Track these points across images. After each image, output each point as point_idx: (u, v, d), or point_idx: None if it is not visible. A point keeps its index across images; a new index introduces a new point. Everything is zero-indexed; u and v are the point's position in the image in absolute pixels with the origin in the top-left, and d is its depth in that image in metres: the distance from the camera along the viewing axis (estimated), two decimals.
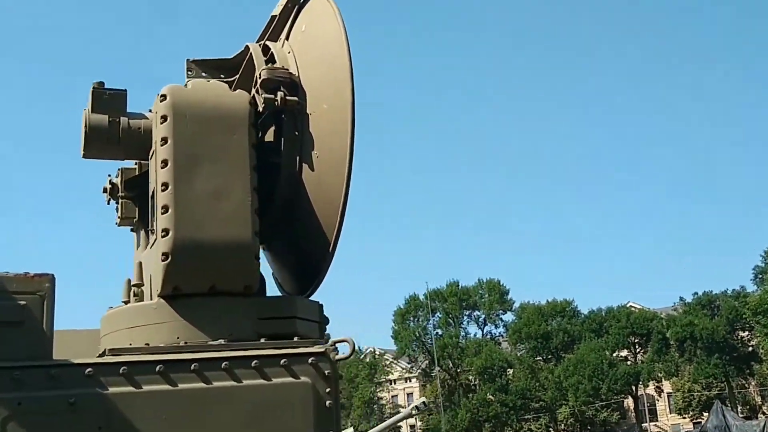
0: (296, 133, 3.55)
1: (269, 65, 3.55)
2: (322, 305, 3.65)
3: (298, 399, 3.05)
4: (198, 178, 3.31)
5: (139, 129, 3.57)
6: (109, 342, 3.34)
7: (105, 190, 3.85)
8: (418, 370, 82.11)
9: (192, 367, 2.98)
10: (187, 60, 3.90)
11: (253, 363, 3.05)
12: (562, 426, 73.79)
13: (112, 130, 3.53)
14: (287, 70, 3.56)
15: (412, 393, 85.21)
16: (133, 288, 3.57)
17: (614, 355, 73.94)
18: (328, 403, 3.10)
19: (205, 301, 3.31)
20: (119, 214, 3.78)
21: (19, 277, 2.92)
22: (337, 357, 3.18)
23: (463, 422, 69.41)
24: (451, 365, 76.03)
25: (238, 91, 3.53)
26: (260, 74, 3.51)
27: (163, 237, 3.24)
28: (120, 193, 3.76)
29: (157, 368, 2.94)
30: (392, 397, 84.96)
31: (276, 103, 3.45)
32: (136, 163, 3.78)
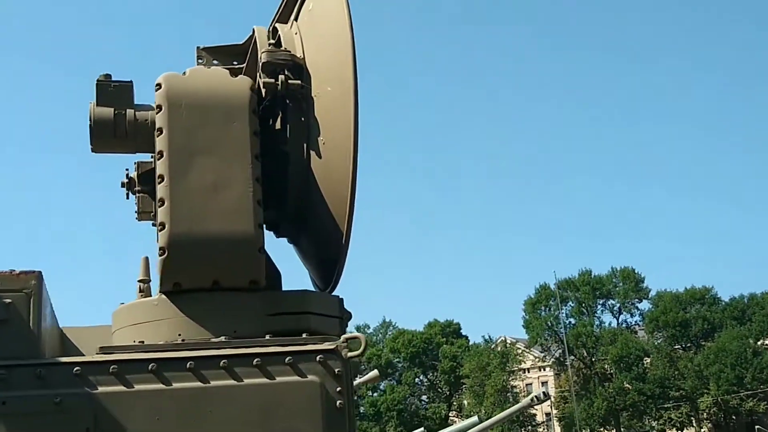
0: (302, 118, 3.32)
1: (270, 48, 3.30)
2: (341, 300, 3.38)
3: (305, 399, 2.80)
4: (195, 169, 3.11)
5: (146, 121, 3.40)
6: (117, 338, 3.19)
7: (123, 185, 3.72)
8: (551, 359, 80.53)
9: (188, 365, 2.77)
10: (198, 48, 3.73)
11: (255, 361, 2.81)
12: (704, 415, 70.44)
13: (118, 123, 3.37)
14: (289, 52, 3.32)
15: (546, 381, 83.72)
16: (139, 284, 3.42)
17: (758, 343, 69.80)
18: (339, 403, 2.83)
19: (208, 297, 3.09)
20: (137, 209, 3.64)
21: (4, 274, 2.79)
22: (348, 354, 2.89)
23: (600, 411, 67.63)
24: (585, 354, 74.21)
25: (239, 77, 3.32)
26: (260, 57, 3.30)
27: (160, 231, 3.05)
28: (137, 188, 3.62)
29: (150, 366, 2.74)
30: (526, 385, 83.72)
31: (278, 87, 3.22)
32: (151, 156, 3.63)
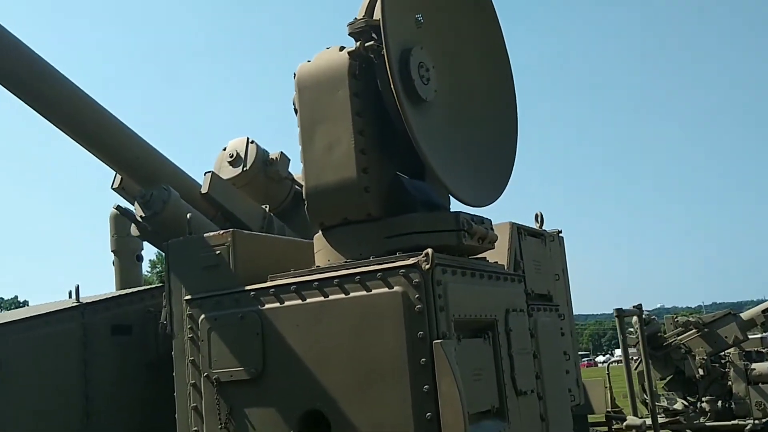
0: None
1: (355, 19, 3.95)
2: (458, 215, 3.97)
3: (392, 306, 3.62)
4: (317, 135, 4.06)
5: None
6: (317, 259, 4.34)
7: None
8: None
9: (314, 284, 3.82)
10: None
11: (357, 278, 3.73)
12: None
13: None
14: (364, 18, 3.90)
15: None
16: None
17: None
18: (417, 308, 3.57)
19: (340, 230, 4.09)
20: None
21: (213, 234, 4.19)
22: (426, 267, 3.59)
23: None
24: None
25: (345, 49, 4.04)
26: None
27: (303, 188, 4.11)
28: None
29: (292, 287, 3.88)
30: None
31: (361, 52, 3.89)
32: None
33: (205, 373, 4.02)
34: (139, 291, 5.88)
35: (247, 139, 6.41)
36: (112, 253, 7.17)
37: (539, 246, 5.15)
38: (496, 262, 4.48)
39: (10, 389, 4.97)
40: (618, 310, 6.72)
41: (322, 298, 3.81)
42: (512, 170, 4.56)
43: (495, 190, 4.43)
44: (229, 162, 6.33)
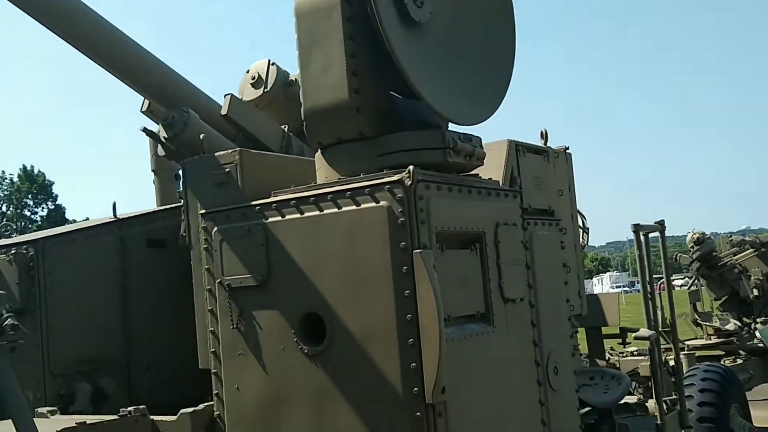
0: None
1: None
2: (443, 133, 4.21)
3: (378, 219, 3.94)
4: (313, 59, 4.32)
5: None
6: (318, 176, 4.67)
7: None
8: None
9: (311, 200, 4.16)
10: None
11: (348, 194, 4.04)
12: None
13: None
14: None
15: None
16: None
17: None
18: (400, 221, 3.88)
19: (336, 149, 4.40)
20: None
21: (224, 154, 4.55)
22: (409, 183, 3.88)
23: None
24: None
25: None
26: None
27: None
28: None
29: (292, 203, 4.22)
30: None
31: None
32: None
33: (218, 280, 4.44)
34: (172, 207, 6.33)
35: (269, 61, 6.68)
36: (152, 173, 7.64)
37: (540, 162, 5.34)
38: (491, 179, 4.73)
39: (56, 297, 5.50)
40: (636, 225, 6.86)
41: (318, 212, 4.14)
42: (507, 88, 4.75)
43: (488, 108, 4.63)
44: (251, 84, 6.64)
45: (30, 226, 58.55)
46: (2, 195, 71.55)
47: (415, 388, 3.75)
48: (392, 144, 4.26)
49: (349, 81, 4.22)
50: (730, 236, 16.32)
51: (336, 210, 4.08)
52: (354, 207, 4.03)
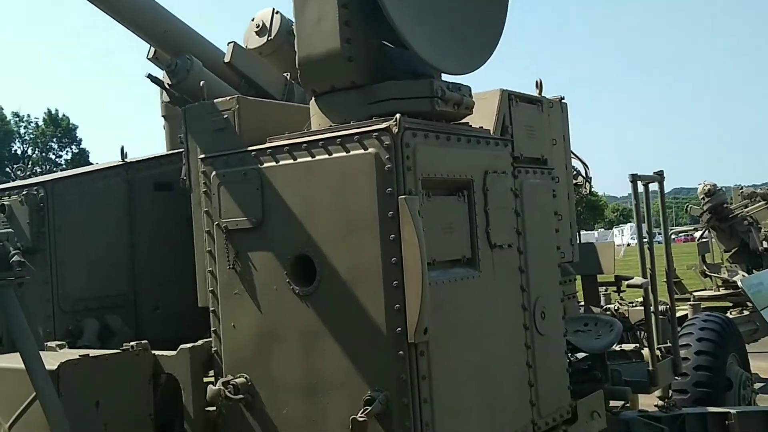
0: None
1: None
2: (431, 82, 4.32)
3: (366, 165, 4.08)
4: (308, 11, 4.43)
5: None
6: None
7: None
8: None
9: (303, 146, 4.30)
10: None
11: (338, 140, 4.18)
12: None
13: None
14: None
15: None
16: None
17: None
18: (387, 167, 4.02)
19: (329, 97, 4.52)
20: None
21: (222, 100, 4.69)
22: (395, 130, 4.01)
23: None
24: None
25: None
26: None
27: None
28: None
29: (286, 149, 4.37)
30: None
31: None
32: None
33: (216, 222, 4.62)
34: (178, 152, 6.49)
35: (273, 9, 6.76)
36: (162, 118, 7.80)
37: (534, 112, 5.43)
38: (481, 127, 4.84)
39: (65, 237, 5.73)
40: (633, 175, 6.92)
41: (310, 158, 4.29)
42: (500, 37, 4.83)
43: (480, 57, 4.72)
44: (255, 32, 6.73)
45: (55, 169, 59.28)
46: (28, 139, 72.33)
47: (399, 328, 3.93)
48: (382, 93, 4.37)
49: (341, 31, 4.32)
50: (741, 188, 16.34)
51: (327, 156, 4.22)
52: (344, 153, 4.16)
